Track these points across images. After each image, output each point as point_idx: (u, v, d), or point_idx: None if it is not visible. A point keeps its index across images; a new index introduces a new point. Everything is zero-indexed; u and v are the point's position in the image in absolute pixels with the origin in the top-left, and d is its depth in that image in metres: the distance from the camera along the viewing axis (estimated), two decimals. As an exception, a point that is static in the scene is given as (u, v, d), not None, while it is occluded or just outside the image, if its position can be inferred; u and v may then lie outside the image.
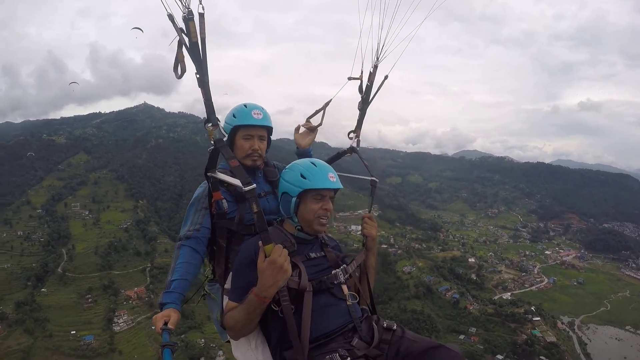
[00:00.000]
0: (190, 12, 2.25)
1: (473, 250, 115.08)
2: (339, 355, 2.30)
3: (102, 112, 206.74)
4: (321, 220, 2.64)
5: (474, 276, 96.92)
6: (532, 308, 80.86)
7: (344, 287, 2.64)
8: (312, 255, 2.67)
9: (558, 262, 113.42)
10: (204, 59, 2.32)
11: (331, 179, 2.63)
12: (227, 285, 2.74)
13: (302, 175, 2.61)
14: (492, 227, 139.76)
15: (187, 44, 2.28)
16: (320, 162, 2.77)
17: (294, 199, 2.61)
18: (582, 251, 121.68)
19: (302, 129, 3.59)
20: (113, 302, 72.68)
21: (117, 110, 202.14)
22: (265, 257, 2.29)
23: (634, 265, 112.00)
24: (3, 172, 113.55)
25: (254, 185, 2.37)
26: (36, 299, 71.13)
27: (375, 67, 3.20)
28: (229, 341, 2.77)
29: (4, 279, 76.12)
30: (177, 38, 2.29)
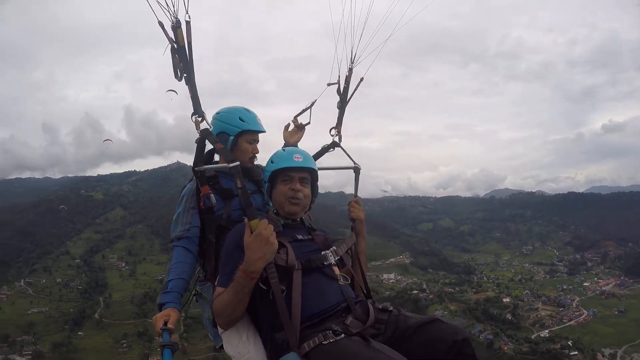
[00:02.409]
0: (178, 21, 2.51)
1: (508, 289, 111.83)
2: (332, 331, 2.20)
3: (137, 170, 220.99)
4: (291, 200, 2.66)
5: (509, 316, 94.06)
6: (569, 342, 78.45)
7: (335, 269, 2.59)
8: (299, 237, 2.65)
9: (597, 292, 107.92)
10: (190, 61, 2.57)
11: (296, 159, 2.68)
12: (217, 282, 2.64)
13: (271, 161, 2.76)
14: (527, 265, 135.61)
15: (176, 49, 2.54)
16: (291, 148, 3.01)
17: (266, 184, 2.77)
18: (622, 278, 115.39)
19: (291, 127, 3.71)
20: (147, 347, 73.95)
21: (152, 168, 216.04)
22: (251, 232, 2.29)
23: None
24: (44, 223, 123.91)
25: (238, 162, 2.52)
26: (73, 341, 75.37)
27: (350, 69, 3.38)
28: (222, 347, 2.79)
29: (42, 321, 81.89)
30: (169, 46, 2.56)
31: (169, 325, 2.47)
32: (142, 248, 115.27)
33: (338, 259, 2.69)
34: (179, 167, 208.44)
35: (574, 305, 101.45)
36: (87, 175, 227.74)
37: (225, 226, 2.91)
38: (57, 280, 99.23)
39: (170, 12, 2.50)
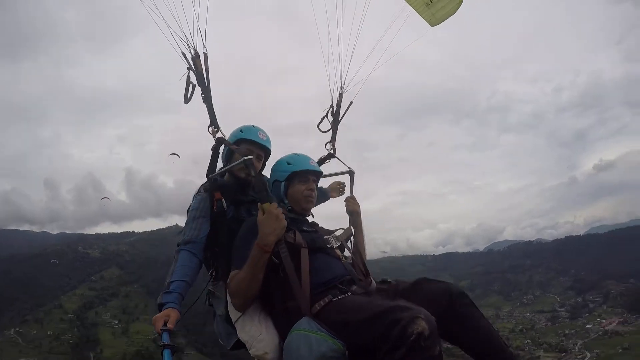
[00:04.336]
0: (197, 53, 3.06)
1: (508, 341, 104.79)
2: (339, 290, 2.52)
3: (136, 231, 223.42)
4: (308, 198, 3.05)
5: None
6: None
7: (337, 251, 2.91)
8: (305, 228, 2.94)
9: (601, 332, 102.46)
10: (208, 84, 3.05)
11: (312, 164, 3.14)
12: (230, 279, 2.83)
13: (288, 163, 3.10)
14: (528, 314, 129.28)
15: (195, 74, 3.05)
16: (302, 153, 3.25)
17: (283, 183, 3.07)
18: (625, 315, 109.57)
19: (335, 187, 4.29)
20: None
21: (150, 230, 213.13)
22: (263, 213, 2.63)
23: None
24: (39, 276, 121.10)
25: (252, 156, 2.99)
26: None
27: (341, 95, 3.95)
28: (232, 347, 2.98)
29: (30, 373, 79.53)
30: (187, 73, 3.08)
31: (169, 326, 2.46)
32: (136, 307, 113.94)
33: (339, 245, 3.00)
34: (177, 228, 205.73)
35: (577, 349, 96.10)
36: (85, 232, 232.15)
37: (236, 228, 3.04)
38: (48, 333, 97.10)
39: (190, 45, 3.06)
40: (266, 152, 3.40)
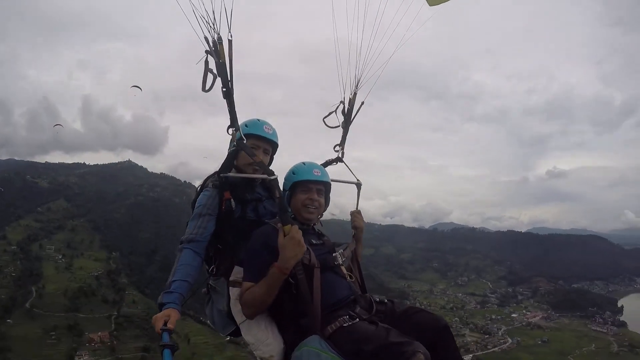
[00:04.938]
0: (220, 37, 2.63)
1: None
2: (349, 316, 2.67)
3: (87, 163, 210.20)
4: (308, 208, 3.05)
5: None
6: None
7: (343, 268, 3.04)
8: (314, 242, 3.03)
9: (524, 323, 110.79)
10: (230, 76, 2.66)
11: (315, 173, 3.09)
12: (232, 277, 3.00)
13: (293, 172, 3.11)
14: (460, 295, 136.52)
15: (216, 64, 2.63)
16: (310, 162, 3.23)
17: (287, 192, 3.11)
18: (549, 312, 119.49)
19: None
20: (76, 342, 71.72)
21: (102, 163, 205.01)
22: (284, 235, 2.68)
23: (600, 320, 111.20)
24: None
25: (277, 176, 2.81)
26: (1, 328, 70.66)
27: (355, 94, 3.76)
28: (229, 335, 3.16)
29: (-31, 303, 76.74)
30: (205, 57, 2.64)
31: (169, 326, 2.45)
32: (82, 242, 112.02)
33: (344, 261, 3.12)
34: (129, 165, 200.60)
35: (500, 334, 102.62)
36: (35, 160, 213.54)
37: (242, 227, 3.08)
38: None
39: (211, 26, 2.65)
40: (273, 145, 3.34)
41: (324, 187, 3.18)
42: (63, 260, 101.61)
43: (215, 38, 2.61)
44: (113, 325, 78.95)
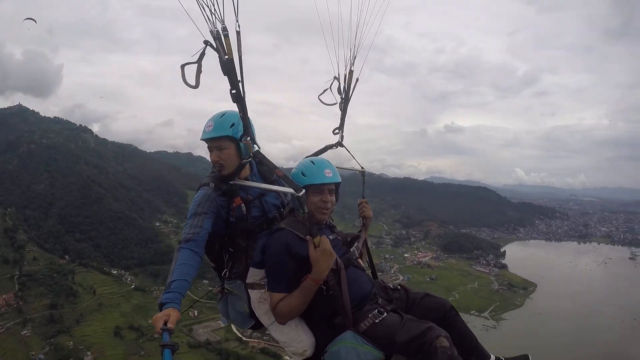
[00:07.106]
0: (225, 29, 2.20)
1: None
2: (377, 311, 2.84)
3: None
4: (322, 210, 3.04)
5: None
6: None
7: (360, 261, 3.23)
8: (330, 238, 2.97)
9: (415, 262, 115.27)
10: (241, 76, 2.32)
11: (327, 175, 3.03)
12: (250, 280, 3.03)
13: (302, 174, 3.04)
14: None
15: (220, 60, 2.21)
16: (319, 160, 3.17)
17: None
18: (439, 253, 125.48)
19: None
20: None
21: None
22: (315, 247, 2.73)
23: (484, 261, 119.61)
24: None
25: (304, 191, 2.76)
26: None
27: (351, 72, 3.59)
28: (251, 327, 3.31)
29: None
30: (203, 48, 2.20)
31: (169, 326, 2.45)
32: None
33: (359, 253, 3.35)
34: (20, 109, 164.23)
35: (392, 272, 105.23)
36: None
37: (252, 230, 3.15)
38: None
39: (217, 20, 2.26)
40: (222, 139, 3.08)
41: (335, 186, 3.11)
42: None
43: (220, 29, 2.17)
44: (17, 285, 73.88)
